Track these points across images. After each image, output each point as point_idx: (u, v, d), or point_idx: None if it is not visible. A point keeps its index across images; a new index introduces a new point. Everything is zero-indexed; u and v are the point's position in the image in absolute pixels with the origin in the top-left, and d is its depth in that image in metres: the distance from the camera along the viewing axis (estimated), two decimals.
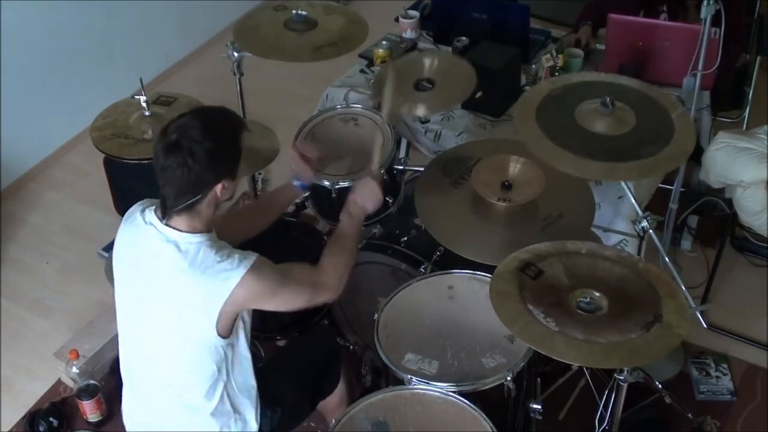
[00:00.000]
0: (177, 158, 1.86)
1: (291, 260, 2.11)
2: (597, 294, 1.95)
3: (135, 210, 2.04)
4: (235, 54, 2.87)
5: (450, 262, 2.44)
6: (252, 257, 1.95)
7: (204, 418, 2.06)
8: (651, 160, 2.11)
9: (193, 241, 1.93)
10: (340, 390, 2.44)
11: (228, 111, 2.01)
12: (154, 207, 2.00)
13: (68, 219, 3.75)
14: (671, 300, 1.93)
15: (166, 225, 1.95)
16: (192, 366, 2.01)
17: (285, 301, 2.05)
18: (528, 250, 2.08)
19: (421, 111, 2.59)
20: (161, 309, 1.97)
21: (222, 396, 2.05)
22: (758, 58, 3.37)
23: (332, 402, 2.43)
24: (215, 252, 1.93)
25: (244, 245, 2.04)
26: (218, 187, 1.93)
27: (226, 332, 1.99)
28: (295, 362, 2.36)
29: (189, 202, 1.90)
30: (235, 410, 2.09)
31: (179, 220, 1.94)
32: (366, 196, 2.29)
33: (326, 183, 2.53)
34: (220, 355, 2.00)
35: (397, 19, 3.36)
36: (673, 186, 2.98)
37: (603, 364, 1.94)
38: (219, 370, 2.02)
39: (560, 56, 2.99)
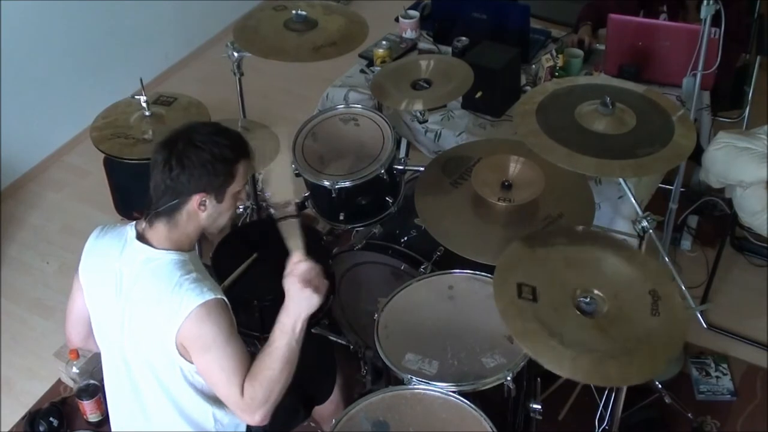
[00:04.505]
0: (164, 154, 1.83)
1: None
2: (597, 294, 1.95)
3: (111, 228, 1.99)
4: (235, 54, 2.87)
5: (450, 262, 2.44)
6: (217, 294, 1.82)
7: (191, 424, 2.02)
8: (648, 158, 2.10)
9: (163, 258, 1.87)
10: (335, 397, 2.42)
11: (240, 136, 1.96)
12: (134, 223, 1.95)
13: (68, 219, 3.75)
14: (671, 300, 1.92)
15: (141, 241, 1.89)
16: (170, 383, 1.94)
17: (210, 369, 1.84)
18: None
19: (418, 106, 2.58)
20: (135, 327, 1.91)
21: (205, 401, 1.99)
22: (758, 58, 3.38)
23: (328, 409, 2.41)
24: (182, 273, 1.84)
25: (243, 244, 2.00)
26: (196, 198, 1.85)
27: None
28: None
29: (167, 205, 1.84)
30: (221, 411, 2.03)
31: (157, 230, 1.88)
32: (295, 304, 1.87)
33: (326, 183, 2.53)
34: (192, 376, 1.93)
35: (397, 19, 3.36)
36: (673, 186, 2.98)
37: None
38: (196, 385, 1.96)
39: (560, 56, 3.00)
